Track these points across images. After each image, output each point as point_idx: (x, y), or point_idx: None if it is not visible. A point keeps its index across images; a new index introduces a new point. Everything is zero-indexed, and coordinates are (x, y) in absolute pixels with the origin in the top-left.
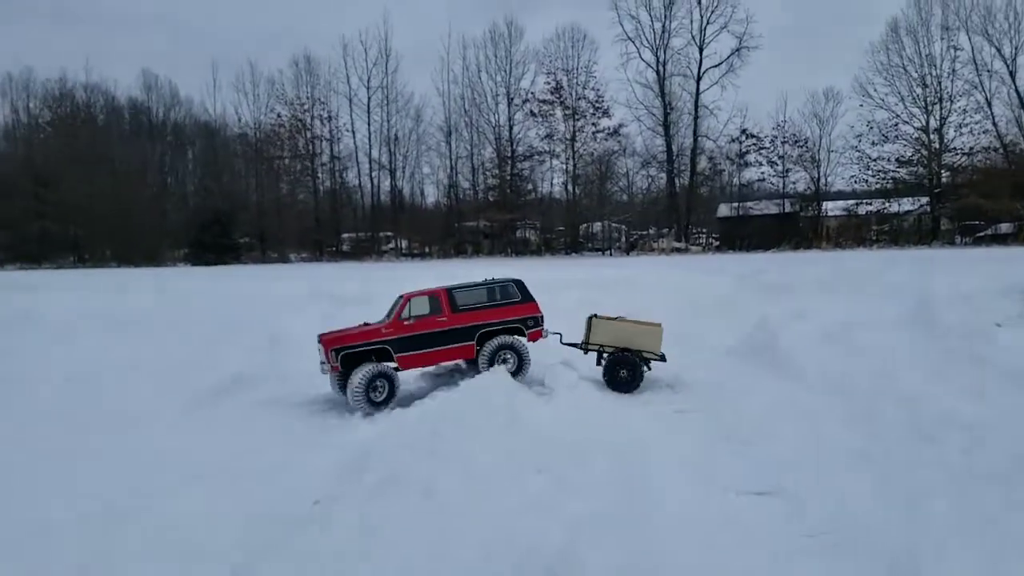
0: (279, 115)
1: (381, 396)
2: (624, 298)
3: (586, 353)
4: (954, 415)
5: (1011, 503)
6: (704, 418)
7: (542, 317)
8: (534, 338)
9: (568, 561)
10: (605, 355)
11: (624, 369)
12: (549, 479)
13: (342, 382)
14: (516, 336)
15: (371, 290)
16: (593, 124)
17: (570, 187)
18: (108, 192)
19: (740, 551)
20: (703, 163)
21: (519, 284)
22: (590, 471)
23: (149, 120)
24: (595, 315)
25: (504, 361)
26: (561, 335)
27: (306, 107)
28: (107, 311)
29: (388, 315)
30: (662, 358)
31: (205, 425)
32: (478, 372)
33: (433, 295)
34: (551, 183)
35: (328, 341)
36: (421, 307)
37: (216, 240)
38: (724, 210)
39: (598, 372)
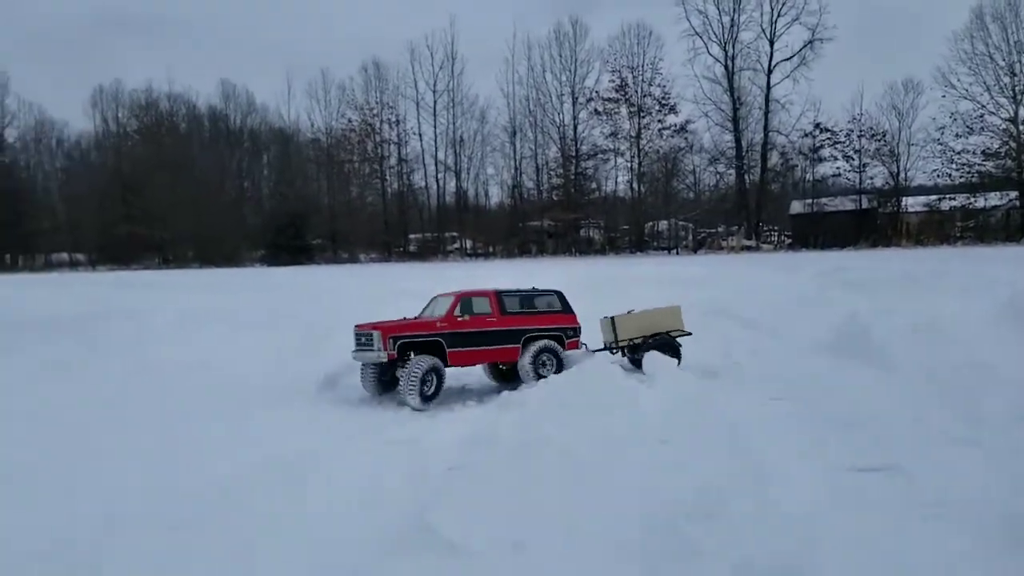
0: (350, 120)
1: (430, 390)
2: (699, 295)
3: (613, 352)
4: None
5: None
6: (803, 404)
7: (579, 328)
8: (570, 348)
9: (704, 508)
10: (644, 344)
11: (664, 351)
12: (672, 448)
13: (379, 375)
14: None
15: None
16: (659, 121)
17: (635, 185)
18: (190, 197)
19: (858, 516)
20: (774, 159)
21: (560, 295)
22: (705, 443)
23: (227, 127)
24: (612, 316)
25: (543, 365)
26: (586, 344)
27: (375, 112)
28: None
29: (423, 313)
30: (688, 334)
31: (332, 404)
32: (520, 381)
33: (483, 296)
34: (615, 181)
35: (386, 329)
36: (473, 306)
37: (290, 242)
38: (797, 207)
39: (696, 363)
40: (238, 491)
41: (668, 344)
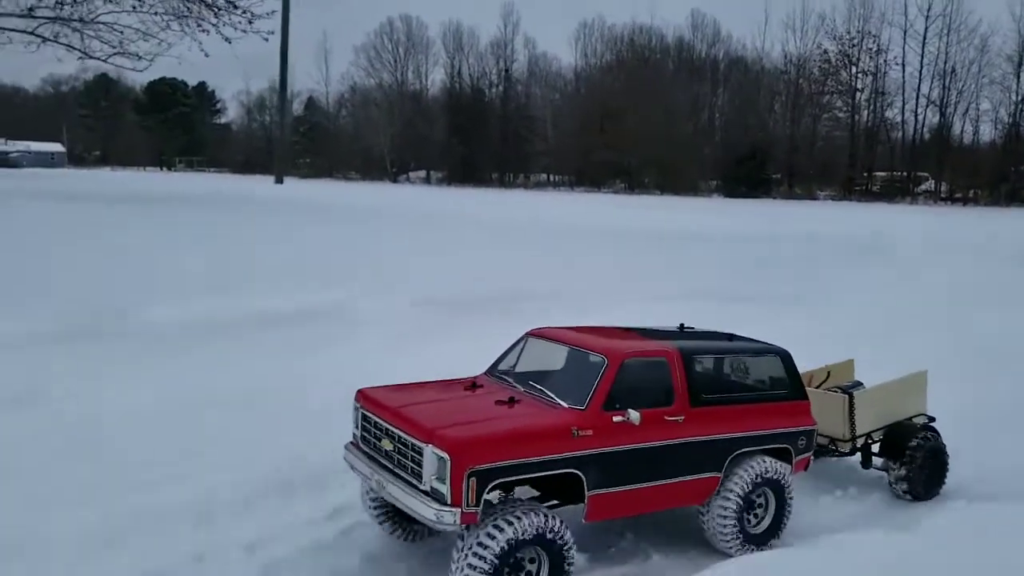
0: (825, 51)
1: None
2: None
3: (836, 454)
4: None
5: None
6: None
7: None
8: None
9: None
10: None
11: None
12: None
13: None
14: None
15: None
16: None
17: None
18: (657, 127)
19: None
20: None
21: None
22: None
23: (692, 58)
24: (849, 392)
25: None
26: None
27: (855, 41)
28: None
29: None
30: (932, 419)
31: None
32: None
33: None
34: None
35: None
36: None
37: (750, 174)
38: None
39: None
40: None
41: (930, 449)
